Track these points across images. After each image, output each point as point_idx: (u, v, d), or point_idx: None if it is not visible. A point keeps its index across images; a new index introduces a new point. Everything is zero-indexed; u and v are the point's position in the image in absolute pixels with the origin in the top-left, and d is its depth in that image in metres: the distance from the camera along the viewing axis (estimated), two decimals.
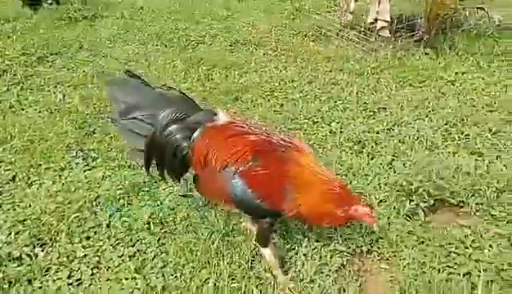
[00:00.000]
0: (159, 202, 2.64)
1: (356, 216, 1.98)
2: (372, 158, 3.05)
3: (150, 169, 2.26)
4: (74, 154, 3.09)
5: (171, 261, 2.22)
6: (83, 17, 5.59)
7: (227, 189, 2.00)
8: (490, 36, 4.94)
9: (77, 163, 3.03)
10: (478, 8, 5.02)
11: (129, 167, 2.98)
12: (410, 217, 2.53)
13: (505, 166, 2.86)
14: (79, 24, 5.51)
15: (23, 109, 3.70)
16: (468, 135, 3.33)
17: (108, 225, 2.49)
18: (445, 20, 4.81)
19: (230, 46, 5.01)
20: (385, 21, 4.54)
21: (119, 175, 2.90)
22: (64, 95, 3.86)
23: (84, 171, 2.95)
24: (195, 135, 2.08)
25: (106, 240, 2.38)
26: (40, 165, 3.00)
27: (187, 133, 2.10)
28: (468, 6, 5.05)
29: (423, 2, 4.79)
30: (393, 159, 3.04)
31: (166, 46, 4.94)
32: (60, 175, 2.92)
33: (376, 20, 4.60)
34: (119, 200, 2.67)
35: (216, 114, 2.12)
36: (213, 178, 2.04)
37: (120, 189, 2.76)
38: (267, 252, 2.13)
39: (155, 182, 2.80)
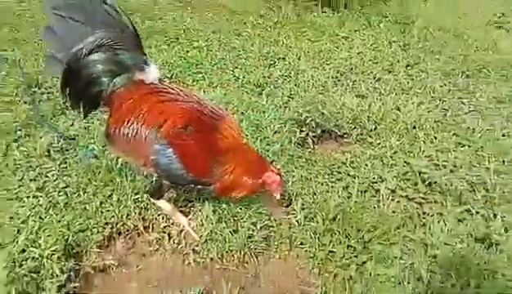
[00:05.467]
0: (57, 134, 2.63)
1: (266, 183, 1.93)
2: (270, 98, 3.29)
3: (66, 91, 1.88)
4: None
5: (74, 182, 2.26)
6: None
7: (149, 153, 1.84)
8: None
9: None
10: None
11: (25, 103, 2.94)
12: (300, 145, 2.83)
13: (383, 104, 3.25)
14: None
15: None
16: (355, 81, 3.71)
17: (5, 154, 2.45)
18: None
19: None
20: None
21: (15, 109, 2.85)
22: None
23: None
24: (119, 80, 1.85)
25: (4, 168, 2.35)
26: None
27: (111, 68, 1.84)
28: None
29: None
30: (289, 100, 3.32)
31: None
32: None
33: None
34: (15, 132, 2.63)
35: (147, 64, 1.88)
36: (134, 138, 1.84)
37: (17, 122, 2.72)
38: (161, 203, 2.05)
39: (54, 116, 2.82)
